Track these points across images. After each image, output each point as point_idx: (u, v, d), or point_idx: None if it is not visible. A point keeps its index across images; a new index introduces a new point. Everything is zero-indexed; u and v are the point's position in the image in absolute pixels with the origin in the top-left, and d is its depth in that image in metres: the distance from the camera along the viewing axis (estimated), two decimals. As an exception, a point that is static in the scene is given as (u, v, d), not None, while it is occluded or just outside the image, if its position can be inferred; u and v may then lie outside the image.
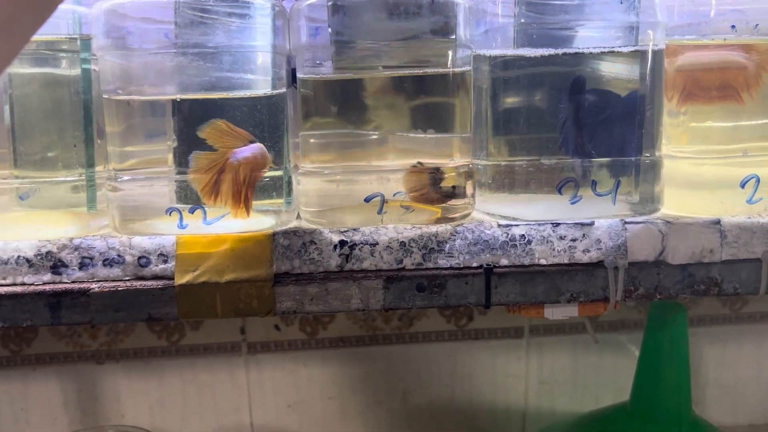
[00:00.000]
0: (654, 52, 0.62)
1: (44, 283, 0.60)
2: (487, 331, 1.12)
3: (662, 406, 0.87)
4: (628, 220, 0.62)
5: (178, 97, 0.60)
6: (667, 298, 0.63)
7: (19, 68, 0.61)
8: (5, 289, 0.59)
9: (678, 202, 0.65)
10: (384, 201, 0.61)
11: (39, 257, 0.60)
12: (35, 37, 0.60)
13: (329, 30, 0.60)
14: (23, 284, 0.60)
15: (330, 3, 0.59)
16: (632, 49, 0.61)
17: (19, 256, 0.60)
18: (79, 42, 0.61)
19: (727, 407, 1.16)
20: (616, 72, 0.61)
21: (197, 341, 1.10)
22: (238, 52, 0.61)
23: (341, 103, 0.61)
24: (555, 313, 0.66)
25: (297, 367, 1.11)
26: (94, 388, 1.10)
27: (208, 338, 1.10)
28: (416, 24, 0.60)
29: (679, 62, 0.65)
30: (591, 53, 0.60)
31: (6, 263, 0.60)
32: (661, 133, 0.64)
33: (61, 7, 0.61)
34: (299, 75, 0.63)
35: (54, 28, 0.61)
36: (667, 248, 0.61)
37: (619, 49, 0.61)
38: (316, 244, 0.61)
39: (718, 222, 0.62)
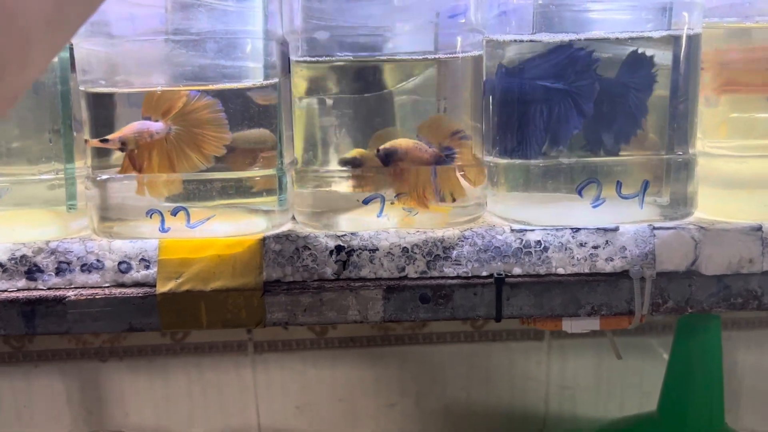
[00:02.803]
0: (689, 37, 0.55)
1: (18, 290, 0.56)
2: (505, 332, 1.06)
3: (692, 417, 0.81)
4: (656, 225, 0.56)
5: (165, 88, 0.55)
6: (700, 311, 0.56)
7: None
8: (-23, 295, 0.55)
9: (714, 205, 0.59)
10: (384, 203, 0.55)
11: (13, 261, 0.56)
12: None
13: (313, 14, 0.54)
14: (-4, 291, 0.56)
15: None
16: (664, 33, 0.55)
17: (-8, 260, 0.56)
18: (54, 28, 0.56)
19: (764, 415, 1.09)
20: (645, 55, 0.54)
21: (203, 339, 1.06)
22: (234, 38, 0.56)
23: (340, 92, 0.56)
24: (574, 326, 0.60)
25: (305, 367, 1.06)
26: (97, 385, 1.07)
27: (214, 336, 1.06)
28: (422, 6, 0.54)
29: (718, 46, 0.58)
30: (617, 38, 0.53)
31: (-22, 268, 0.56)
32: (696, 127, 0.58)
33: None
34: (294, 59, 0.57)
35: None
36: (701, 257, 0.55)
37: (649, 34, 0.54)
38: (310, 249, 0.56)
39: (759, 228, 0.55)
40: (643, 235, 0.55)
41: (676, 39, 0.55)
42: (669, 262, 0.55)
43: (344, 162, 0.55)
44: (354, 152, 0.55)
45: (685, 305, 0.56)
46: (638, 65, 0.53)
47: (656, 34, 0.55)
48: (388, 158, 0.54)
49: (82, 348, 1.05)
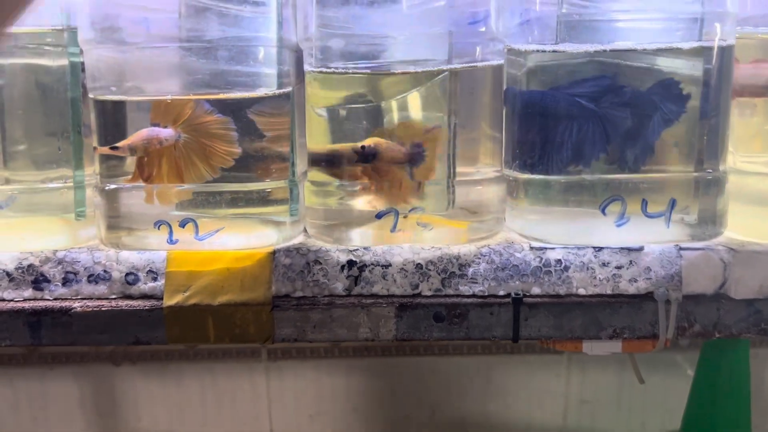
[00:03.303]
0: (721, 48, 0.52)
1: (24, 300, 0.55)
2: (524, 345, 1.03)
3: (718, 439, 0.78)
4: (684, 245, 0.53)
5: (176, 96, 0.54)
6: (728, 337, 0.54)
7: (3, 60, 0.56)
8: (-17, 305, 0.54)
9: (746, 224, 0.56)
10: (398, 217, 0.54)
11: (20, 270, 0.55)
12: (18, 29, 0.55)
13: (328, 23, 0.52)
14: (2, 300, 0.55)
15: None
16: (694, 44, 0.52)
17: (-1, 269, 0.55)
18: (66, 34, 0.56)
19: (792, 436, 1.05)
20: (674, 71, 0.52)
21: (216, 346, 1.05)
22: (248, 45, 0.54)
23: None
24: (595, 348, 0.57)
25: (320, 375, 1.05)
26: (111, 389, 1.07)
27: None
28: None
29: (754, 55, 0.55)
30: (644, 50, 0.51)
31: (-15, 276, 0.55)
32: (727, 142, 0.55)
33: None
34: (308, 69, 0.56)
35: (39, 19, 0.55)
36: (730, 280, 0.52)
37: (679, 45, 0.52)
38: (321, 263, 0.54)
39: (793, 250, 0.52)
40: (669, 256, 0.53)
41: (706, 50, 0.52)
42: (696, 285, 0.53)
43: (319, 158, 0.53)
44: (329, 147, 0.54)
45: (712, 330, 0.54)
46: (669, 92, 0.51)
47: (686, 46, 0.52)
48: (370, 156, 0.52)
49: (95, 351, 1.05)
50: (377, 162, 0.52)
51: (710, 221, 0.55)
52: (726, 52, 0.53)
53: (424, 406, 1.06)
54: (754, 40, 0.55)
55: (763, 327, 0.53)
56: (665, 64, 0.51)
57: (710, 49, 0.52)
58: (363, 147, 0.52)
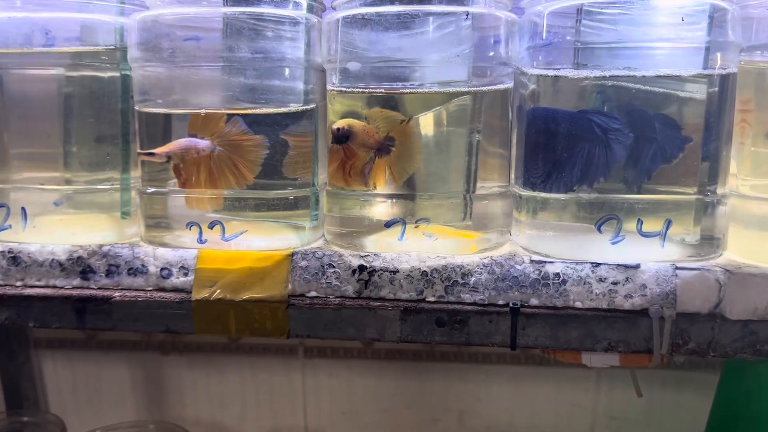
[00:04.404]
0: (722, 77, 0.54)
1: (73, 287, 0.62)
2: (552, 358, 1.05)
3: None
4: (680, 265, 0.55)
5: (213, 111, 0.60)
6: (724, 356, 0.55)
7: (65, 73, 0.63)
8: (38, 290, 0.61)
9: (747, 246, 0.57)
10: (405, 226, 0.58)
11: (70, 262, 0.62)
12: (80, 48, 0.62)
13: (349, 46, 0.57)
14: (54, 287, 0.62)
15: (358, 17, 0.56)
16: (698, 72, 0.54)
17: (53, 260, 0.62)
18: (118, 53, 0.62)
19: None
20: (675, 97, 0.54)
21: (257, 341, 1.11)
22: (281, 66, 0.60)
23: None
24: (594, 360, 0.60)
25: (352, 375, 1.09)
26: (159, 377, 1.14)
27: (268, 339, 1.11)
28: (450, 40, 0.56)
29: (758, 82, 0.56)
30: (644, 76, 0.53)
31: (41, 265, 0.62)
32: (728, 166, 0.56)
33: (105, 18, 0.62)
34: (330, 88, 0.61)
35: (97, 39, 0.62)
36: (725, 300, 0.54)
37: (682, 72, 0.54)
38: (334, 267, 0.58)
39: (790, 274, 0.53)
40: (665, 275, 0.55)
41: (710, 78, 0.54)
42: (691, 304, 0.54)
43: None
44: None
45: (707, 348, 0.55)
46: (670, 132, 0.53)
47: (690, 72, 0.54)
48: (343, 138, 0.56)
49: (146, 341, 1.13)
50: (349, 143, 0.56)
51: (708, 243, 0.56)
52: (727, 79, 0.54)
53: (452, 411, 1.09)
54: (759, 67, 0.56)
55: (758, 348, 0.55)
56: (666, 89, 0.54)
57: (713, 76, 0.54)
58: (338, 129, 0.56)
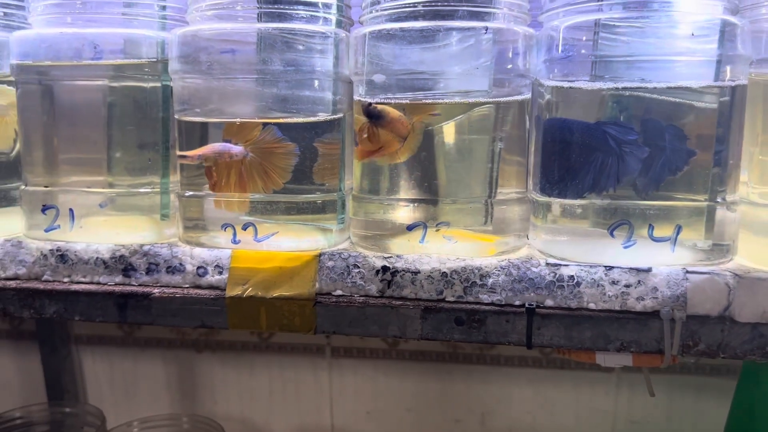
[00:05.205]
0: (732, 88, 0.56)
1: (115, 284, 0.66)
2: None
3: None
4: (690, 269, 0.57)
5: (247, 120, 0.63)
6: (733, 358, 0.57)
7: (110, 83, 0.67)
8: (83, 286, 0.66)
9: (758, 252, 0.59)
10: (426, 230, 0.61)
11: (113, 260, 0.66)
12: (124, 61, 0.67)
13: (375, 59, 0.60)
14: (98, 283, 0.66)
15: (383, 32, 0.60)
16: (709, 84, 0.56)
17: (97, 258, 0.66)
18: (159, 65, 0.66)
19: None
20: (686, 107, 0.56)
21: (285, 340, 1.15)
22: (311, 77, 0.63)
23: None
24: (608, 360, 0.62)
25: (377, 375, 1.12)
26: (192, 373, 1.19)
27: (296, 338, 1.14)
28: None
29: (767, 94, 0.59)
30: (655, 88, 0.55)
31: (86, 263, 0.66)
32: (738, 174, 0.58)
33: (147, 32, 0.67)
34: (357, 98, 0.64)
35: (140, 52, 0.67)
36: (734, 304, 0.56)
37: (693, 84, 0.56)
38: (359, 267, 0.62)
39: (797, 280, 0.55)
40: (676, 278, 0.57)
41: (720, 89, 0.56)
42: (701, 306, 0.56)
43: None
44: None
45: (717, 350, 0.57)
46: (677, 138, 0.55)
47: (701, 84, 0.56)
48: (374, 116, 0.59)
49: (181, 338, 1.17)
50: (379, 126, 0.59)
51: (718, 249, 0.58)
52: (737, 91, 0.56)
53: (475, 412, 1.11)
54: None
55: (767, 350, 0.57)
56: (677, 100, 0.56)
57: (724, 88, 0.56)
58: (370, 104, 0.59)
